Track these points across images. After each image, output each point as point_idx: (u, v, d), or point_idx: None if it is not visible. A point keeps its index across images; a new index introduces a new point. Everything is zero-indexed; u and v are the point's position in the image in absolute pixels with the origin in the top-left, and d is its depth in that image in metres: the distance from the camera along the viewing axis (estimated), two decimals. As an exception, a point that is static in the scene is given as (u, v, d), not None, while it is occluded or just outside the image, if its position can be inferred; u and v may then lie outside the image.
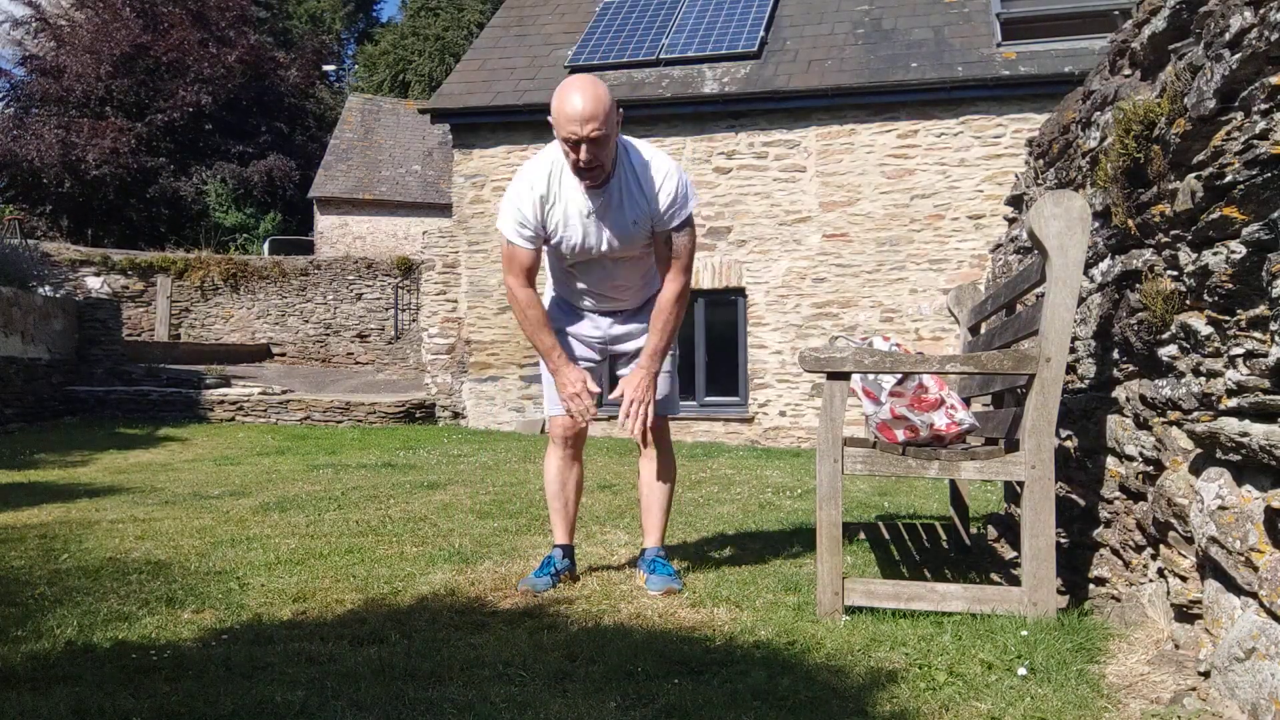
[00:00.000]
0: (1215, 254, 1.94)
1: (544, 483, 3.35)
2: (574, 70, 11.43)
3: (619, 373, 3.35)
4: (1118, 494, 2.62)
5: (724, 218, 10.77)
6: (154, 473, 6.91)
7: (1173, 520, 2.19)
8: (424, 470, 6.96)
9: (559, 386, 3.04)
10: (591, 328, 3.26)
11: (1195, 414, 2.08)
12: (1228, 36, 1.86)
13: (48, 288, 13.17)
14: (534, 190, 2.95)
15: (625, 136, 2.97)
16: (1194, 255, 2.07)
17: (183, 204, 24.05)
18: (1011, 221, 4.53)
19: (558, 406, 3.17)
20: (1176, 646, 2.20)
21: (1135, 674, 2.16)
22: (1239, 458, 1.89)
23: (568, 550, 3.28)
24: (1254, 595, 1.81)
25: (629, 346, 3.27)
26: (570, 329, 3.25)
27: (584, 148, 2.77)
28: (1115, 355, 2.65)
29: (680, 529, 4.32)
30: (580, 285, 3.19)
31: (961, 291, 4.38)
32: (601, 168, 2.84)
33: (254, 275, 16.44)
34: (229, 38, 25.14)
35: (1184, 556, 2.18)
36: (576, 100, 2.73)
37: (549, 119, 2.84)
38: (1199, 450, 2.10)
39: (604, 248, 3.03)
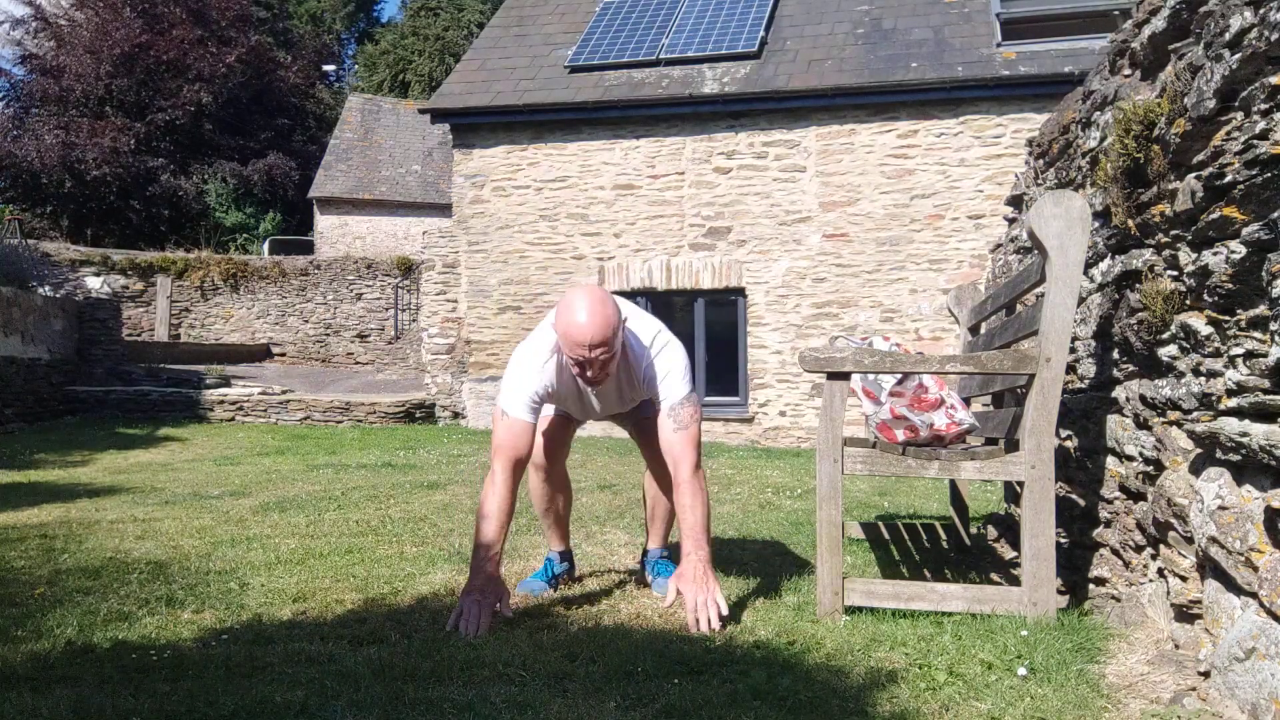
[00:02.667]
0: (1215, 254, 1.94)
1: (531, 500, 3.27)
2: (574, 70, 11.44)
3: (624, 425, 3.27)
4: (1118, 494, 2.62)
5: (724, 218, 10.77)
6: (154, 473, 6.91)
7: (1173, 520, 2.19)
8: (424, 470, 6.96)
9: (467, 589, 2.71)
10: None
11: (1195, 414, 2.08)
12: (1228, 36, 1.86)
13: (48, 288, 13.18)
14: (540, 374, 2.86)
15: (625, 312, 2.85)
16: (1194, 255, 2.07)
17: (183, 204, 24.04)
18: (1011, 221, 4.53)
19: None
20: (1176, 646, 2.20)
21: (1135, 674, 2.16)
22: (1239, 458, 1.89)
23: (565, 554, 3.28)
24: (1254, 595, 1.81)
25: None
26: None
27: (590, 366, 2.70)
28: (1115, 355, 2.65)
29: (680, 529, 4.31)
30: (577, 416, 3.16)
31: (961, 291, 4.38)
32: (607, 375, 2.77)
33: (254, 275, 16.43)
34: (229, 37, 25.14)
35: (1184, 556, 2.18)
36: (584, 326, 2.63)
37: (554, 329, 2.74)
38: (1199, 450, 2.10)
39: (601, 413, 3.04)
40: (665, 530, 3.28)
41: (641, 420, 3.11)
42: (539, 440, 3.13)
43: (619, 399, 2.97)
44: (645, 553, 3.29)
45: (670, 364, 2.86)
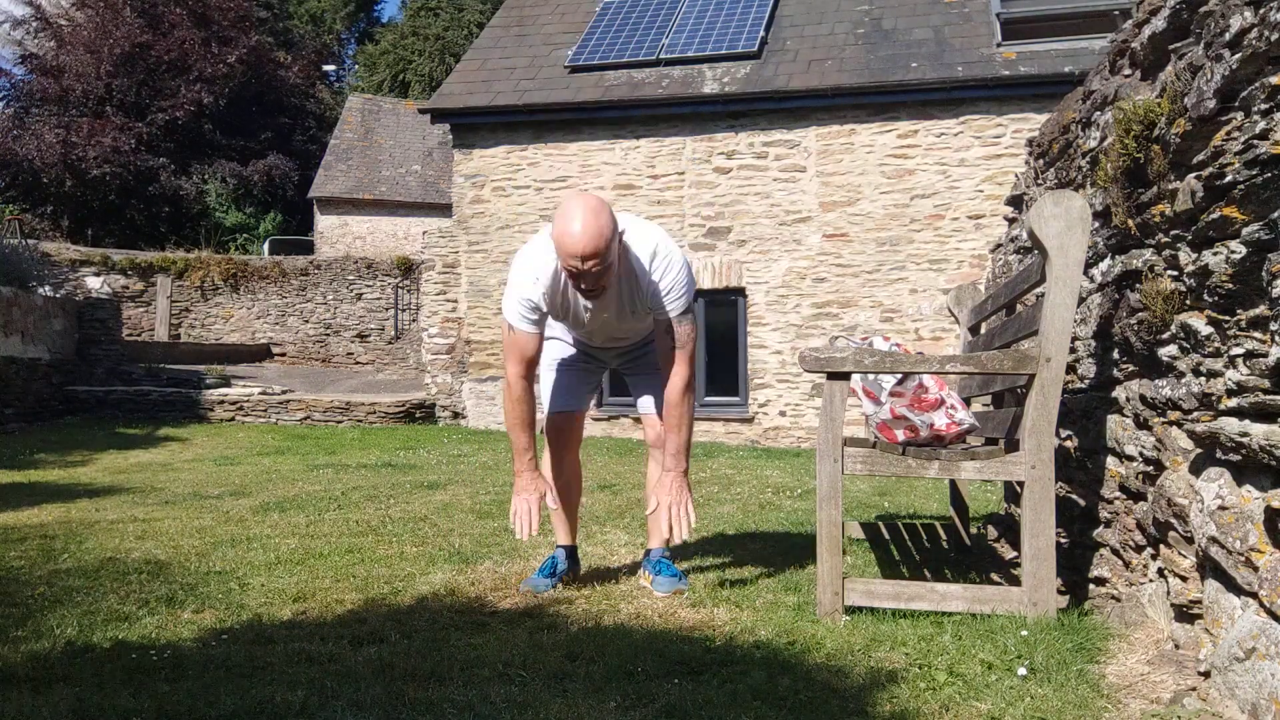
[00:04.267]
0: (1215, 254, 1.94)
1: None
2: (574, 70, 11.43)
3: (629, 382, 3.36)
4: (1118, 494, 2.62)
5: (724, 218, 10.77)
6: (154, 473, 6.91)
7: (1173, 520, 2.19)
8: (424, 470, 6.96)
9: (516, 490, 3.04)
10: (591, 357, 3.33)
11: (1195, 414, 2.08)
12: (1228, 36, 1.86)
13: (48, 288, 13.17)
14: (539, 282, 2.91)
15: (626, 223, 2.88)
16: (1194, 255, 2.07)
17: (183, 203, 24.04)
18: (1011, 221, 4.53)
19: (557, 400, 3.22)
20: (1176, 646, 2.20)
21: (1135, 674, 2.16)
22: (1239, 458, 1.89)
23: (570, 551, 3.29)
24: (1254, 595, 1.81)
25: (637, 358, 3.31)
26: (570, 345, 3.30)
27: (584, 278, 2.74)
28: (1115, 355, 2.65)
29: (680, 529, 4.31)
30: (579, 337, 3.26)
31: (961, 291, 4.38)
32: (603, 286, 2.80)
33: (254, 275, 16.43)
34: (230, 37, 25.13)
35: (1184, 556, 2.18)
36: (577, 236, 2.65)
37: (550, 235, 2.77)
38: (1199, 450, 2.10)
39: (604, 333, 3.12)
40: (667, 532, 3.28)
41: (640, 360, 3.24)
42: (549, 434, 3.23)
43: (618, 311, 3.00)
44: (647, 553, 3.30)
45: (673, 276, 2.92)
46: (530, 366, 3.01)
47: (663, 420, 3.05)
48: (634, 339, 3.26)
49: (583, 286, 2.78)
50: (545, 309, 2.96)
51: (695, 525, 2.89)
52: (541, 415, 3.27)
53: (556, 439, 3.25)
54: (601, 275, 2.74)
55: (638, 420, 3.36)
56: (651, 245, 2.91)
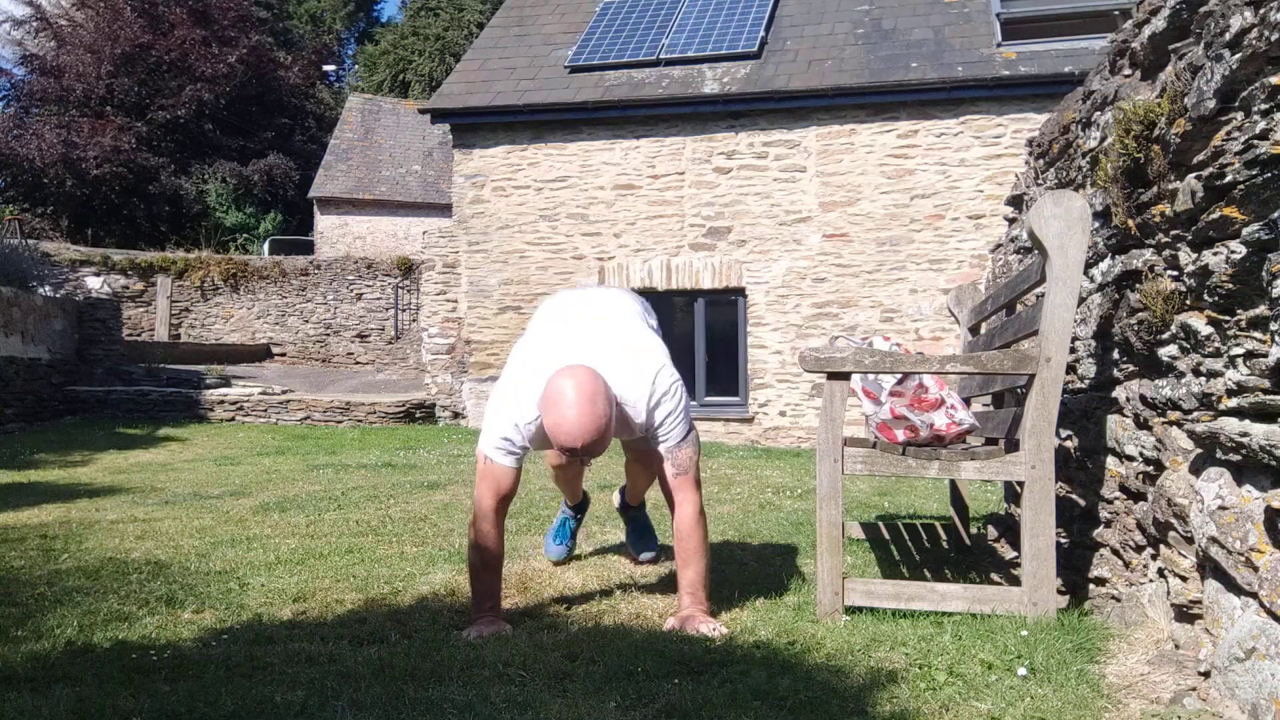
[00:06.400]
0: (1215, 254, 1.94)
1: (546, 469, 3.41)
2: (574, 70, 11.43)
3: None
4: (1118, 494, 2.62)
5: (724, 218, 10.77)
6: (154, 473, 6.91)
7: (1173, 520, 2.19)
8: (424, 470, 6.96)
9: (471, 622, 2.67)
10: None
11: (1195, 414, 2.08)
12: (1228, 36, 1.86)
13: (48, 288, 13.17)
14: (522, 419, 2.69)
15: (615, 367, 2.68)
16: (1194, 255, 2.07)
17: (183, 203, 24.05)
18: (1011, 221, 4.53)
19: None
20: (1176, 646, 2.20)
21: (1135, 674, 2.15)
22: (1239, 458, 1.89)
23: (579, 505, 3.44)
24: (1254, 595, 1.81)
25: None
26: None
27: (578, 459, 2.60)
28: (1115, 355, 2.65)
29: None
30: None
31: (961, 291, 4.38)
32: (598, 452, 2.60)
33: (254, 275, 16.43)
34: (230, 38, 25.14)
35: (1184, 556, 2.18)
36: (574, 427, 2.47)
37: (540, 410, 2.58)
38: (1199, 450, 2.10)
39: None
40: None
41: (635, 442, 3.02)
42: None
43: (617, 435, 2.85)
44: (623, 501, 3.42)
45: (668, 409, 2.69)
46: (505, 502, 2.72)
47: (676, 553, 2.77)
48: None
49: (578, 460, 2.64)
50: (528, 446, 2.73)
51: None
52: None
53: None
54: (594, 449, 2.54)
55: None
56: (647, 386, 2.67)
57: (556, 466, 3.25)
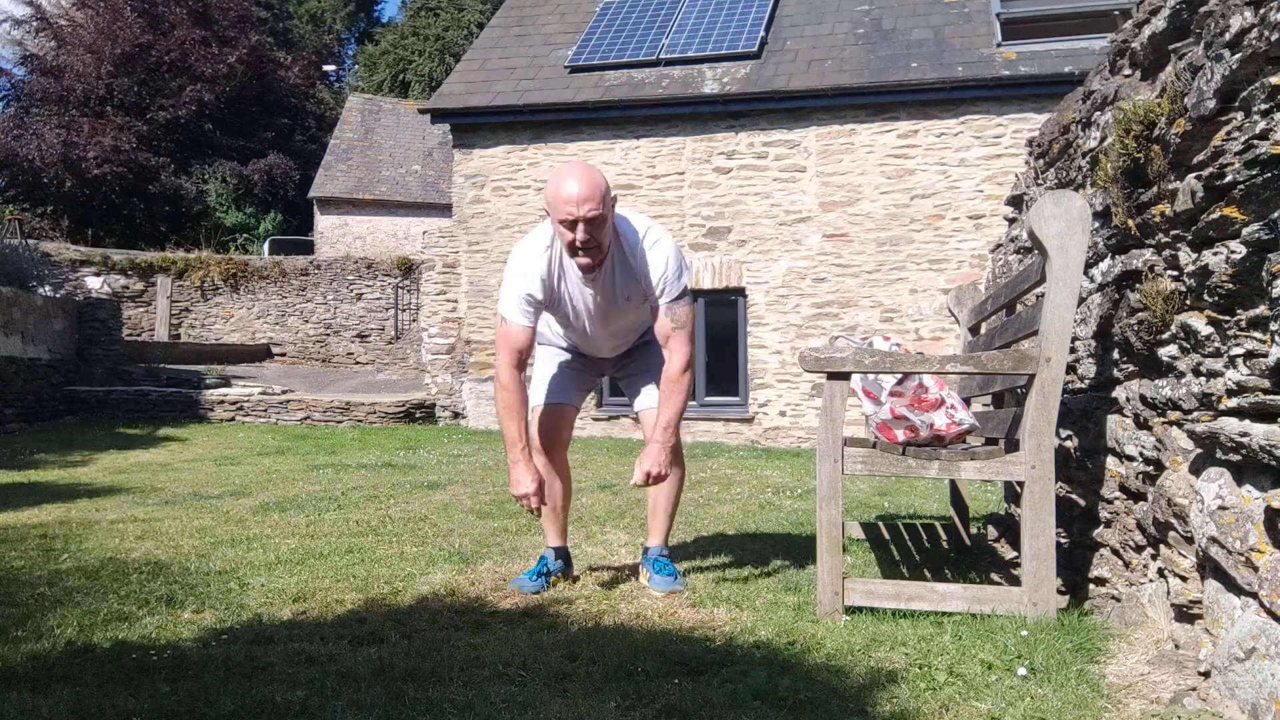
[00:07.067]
0: (1215, 254, 1.94)
1: None
2: (574, 70, 11.43)
3: (624, 386, 3.39)
4: (1118, 494, 2.62)
5: (724, 218, 10.77)
6: (154, 473, 6.91)
7: (1173, 520, 2.19)
8: (424, 470, 6.96)
9: (512, 483, 3.01)
10: (586, 360, 3.36)
11: (1195, 414, 2.08)
12: (1228, 36, 1.86)
13: (48, 288, 13.17)
14: (535, 269, 2.99)
15: (619, 212, 3.00)
16: (1194, 255, 2.07)
17: (183, 203, 24.06)
18: (1011, 221, 4.53)
19: (547, 394, 3.24)
20: (1176, 646, 2.20)
21: (1135, 674, 2.15)
22: (1239, 458, 1.89)
23: (561, 552, 3.29)
24: (1254, 595, 1.81)
25: (632, 358, 3.34)
26: (565, 351, 3.33)
27: (581, 227, 2.82)
28: (1115, 355, 2.65)
29: (680, 529, 4.32)
30: (575, 339, 3.27)
31: (961, 291, 4.38)
32: (599, 247, 2.88)
33: (254, 275, 16.44)
34: (230, 37, 25.15)
35: (1184, 556, 2.18)
36: (572, 184, 2.81)
37: (544, 207, 2.94)
38: (1199, 450, 2.10)
39: (599, 321, 3.11)
40: (665, 528, 3.29)
41: (634, 361, 3.28)
42: (538, 430, 3.21)
43: (614, 295, 3.03)
44: (645, 550, 3.30)
45: (665, 258, 2.98)
46: (521, 358, 3.01)
47: (660, 397, 3.07)
48: (628, 341, 3.26)
49: (579, 242, 2.84)
50: (541, 299, 3.00)
51: (661, 475, 3.00)
52: (532, 419, 3.24)
53: (545, 436, 3.23)
54: (599, 227, 2.83)
55: (637, 419, 3.35)
56: (643, 227, 3.01)
57: (542, 436, 3.22)
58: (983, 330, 4.02)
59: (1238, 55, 1.83)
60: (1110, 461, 2.67)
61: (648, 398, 3.25)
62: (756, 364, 10.70)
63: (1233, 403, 1.90)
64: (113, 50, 23.25)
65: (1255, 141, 1.79)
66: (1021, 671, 2.15)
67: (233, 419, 11.44)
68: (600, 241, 2.87)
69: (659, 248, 2.98)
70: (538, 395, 3.26)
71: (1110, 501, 2.67)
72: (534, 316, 3.01)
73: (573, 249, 2.88)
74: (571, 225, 2.83)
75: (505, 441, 3.03)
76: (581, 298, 3.04)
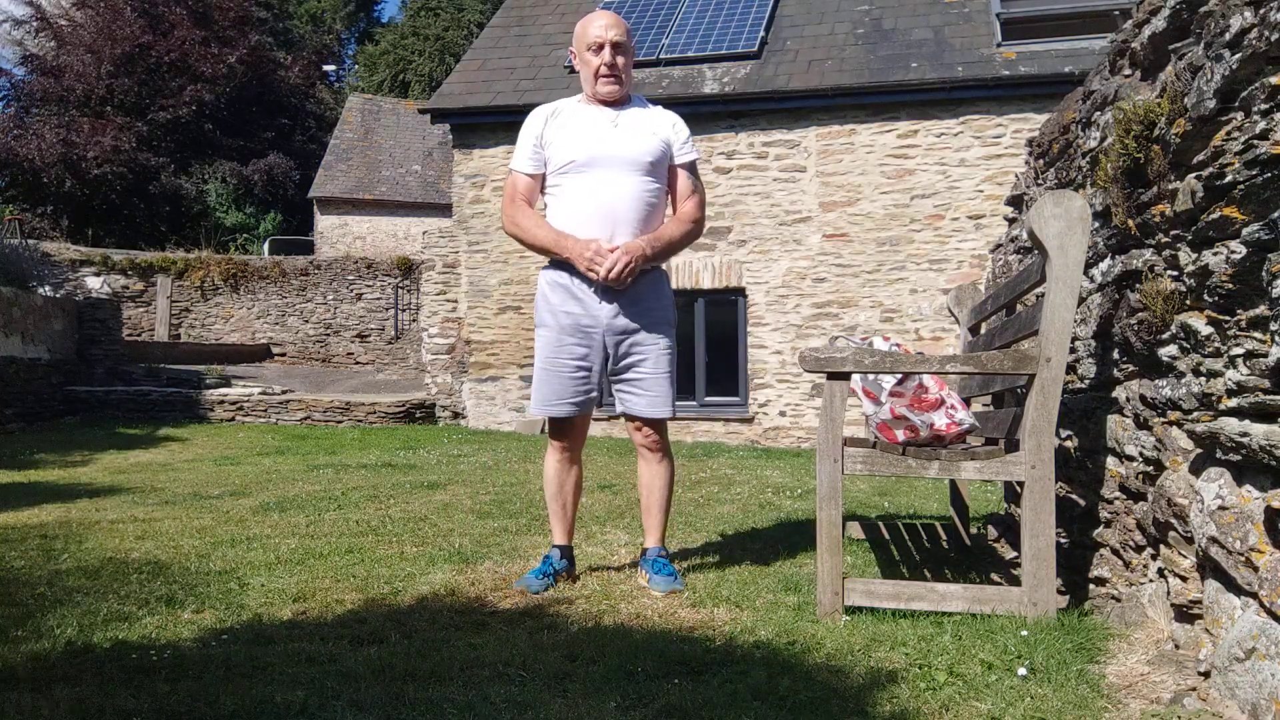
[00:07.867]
0: (1215, 254, 1.94)
1: (543, 483, 3.39)
2: (574, 71, 11.43)
3: (616, 389, 3.34)
4: (1118, 494, 2.62)
5: (724, 218, 10.77)
6: (154, 473, 6.91)
7: (1173, 520, 2.19)
8: (424, 470, 6.96)
9: (576, 258, 3.09)
10: (589, 316, 3.16)
11: (1195, 414, 2.08)
12: (1228, 36, 1.86)
13: (48, 288, 13.18)
14: (540, 113, 3.23)
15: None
16: (1194, 255, 2.07)
17: (183, 203, 24.07)
18: (1011, 221, 4.53)
19: (548, 407, 3.22)
20: (1176, 646, 2.20)
21: (1135, 674, 2.16)
22: (1239, 458, 1.89)
23: (566, 551, 3.29)
24: (1254, 595, 1.81)
25: (629, 350, 3.20)
26: (567, 318, 3.18)
27: (608, 49, 3.08)
28: (1115, 355, 2.65)
29: (680, 529, 4.32)
30: (582, 211, 3.14)
31: (961, 291, 4.38)
32: (622, 77, 3.12)
33: (254, 275, 16.44)
34: (230, 37, 25.17)
35: (1184, 556, 2.18)
36: (600, 15, 3.16)
37: (570, 49, 3.20)
38: (1199, 450, 2.10)
39: (618, 149, 3.14)
40: (661, 525, 3.28)
41: (630, 355, 3.27)
42: (554, 433, 3.25)
43: (638, 129, 3.16)
44: (644, 551, 3.30)
45: (677, 119, 3.24)
46: (532, 202, 3.25)
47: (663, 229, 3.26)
48: (631, 231, 3.13)
49: (607, 66, 3.07)
50: (544, 134, 3.17)
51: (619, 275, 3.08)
52: (536, 417, 3.28)
53: (559, 437, 3.27)
54: (625, 55, 3.11)
55: (628, 420, 3.34)
56: (671, 116, 3.26)
57: (561, 451, 3.23)
58: (983, 330, 4.02)
59: (1238, 55, 1.83)
60: (1110, 461, 2.67)
61: (637, 403, 3.22)
62: (756, 364, 10.70)
63: (1233, 403, 1.90)
64: (113, 50, 23.26)
65: (1255, 141, 1.80)
66: (1021, 671, 2.15)
67: (233, 419, 11.44)
68: (623, 72, 3.12)
69: (681, 130, 3.23)
70: (541, 403, 3.23)
71: (1110, 501, 2.67)
72: (540, 166, 3.21)
73: (597, 76, 3.11)
74: (599, 49, 3.08)
75: (547, 246, 3.16)
76: (596, 135, 3.13)
